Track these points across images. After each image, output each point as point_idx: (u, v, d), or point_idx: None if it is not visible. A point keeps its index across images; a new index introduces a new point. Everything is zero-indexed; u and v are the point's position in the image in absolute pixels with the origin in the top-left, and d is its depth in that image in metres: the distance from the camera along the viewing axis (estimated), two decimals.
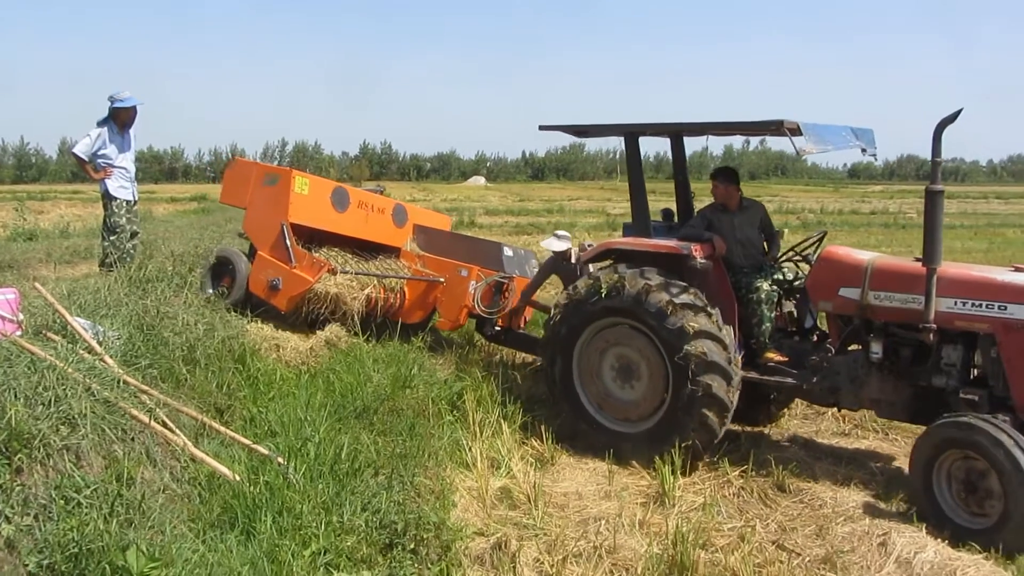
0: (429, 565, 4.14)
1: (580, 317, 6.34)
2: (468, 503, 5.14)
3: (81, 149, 8.60)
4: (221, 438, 5.02)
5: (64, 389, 4.16)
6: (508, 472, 5.63)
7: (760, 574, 4.26)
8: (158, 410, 4.71)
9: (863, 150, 6.23)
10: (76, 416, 4.03)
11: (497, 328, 8.27)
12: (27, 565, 3.19)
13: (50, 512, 3.48)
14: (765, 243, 6.81)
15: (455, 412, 6.40)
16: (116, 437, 4.19)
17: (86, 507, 3.53)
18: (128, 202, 8.84)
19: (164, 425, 4.65)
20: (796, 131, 5.53)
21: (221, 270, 8.60)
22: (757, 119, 5.76)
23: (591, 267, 7.32)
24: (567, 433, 6.66)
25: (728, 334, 5.92)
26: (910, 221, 30.45)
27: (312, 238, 8.53)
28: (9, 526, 3.33)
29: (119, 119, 8.71)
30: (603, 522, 4.98)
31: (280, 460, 4.73)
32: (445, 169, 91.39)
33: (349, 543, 3.99)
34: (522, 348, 8.38)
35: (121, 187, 8.76)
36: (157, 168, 71.14)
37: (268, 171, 8.65)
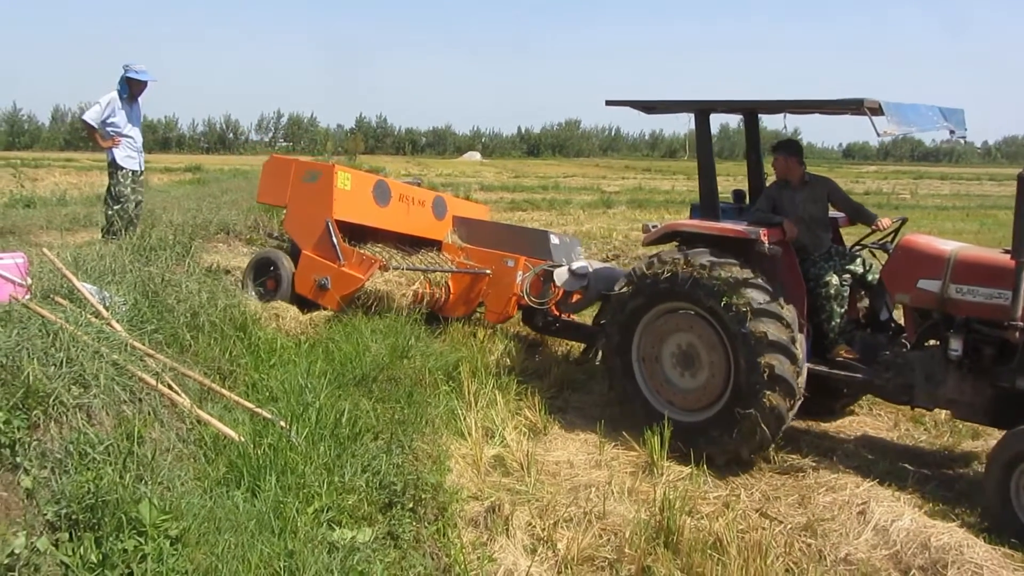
0: (427, 524, 4.31)
1: (670, 287, 5.93)
2: (463, 469, 5.31)
3: (92, 116, 8.65)
4: (225, 402, 5.15)
5: (75, 351, 4.29)
6: (502, 441, 5.79)
7: (743, 540, 4.40)
8: (164, 374, 4.86)
9: (951, 132, 5.80)
10: (88, 377, 4.17)
11: (549, 318, 8.03)
12: (45, 515, 3.35)
13: (66, 466, 3.63)
14: (852, 218, 6.62)
15: (451, 382, 6.55)
16: (126, 398, 4.32)
17: (100, 462, 3.69)
18: (134, 172, 8.93)
19: (170, 388, 4.80)
20: (877, 111, 5.14)
21: (263, 271, 8.47)
22: (837, 98, 5.45)
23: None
24: (560, 405, 6.86)
25: (791, 314, 5.63)
26: (903, 202, 30.51)
27: (351, 234, 8.36)
28: (28, 477, 3.47)
29: (132, 89, 8.76)
30: (593, 489, 5.16)
31: (282, 424, 4.87)
32: (440, 144, 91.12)
33: (351, 502, 4.16)
34: (574, 337, 8.16)
35: (128, 156, 8.84)
36: (151, 137, 70.82)
37: (308, 167, 8.47)
